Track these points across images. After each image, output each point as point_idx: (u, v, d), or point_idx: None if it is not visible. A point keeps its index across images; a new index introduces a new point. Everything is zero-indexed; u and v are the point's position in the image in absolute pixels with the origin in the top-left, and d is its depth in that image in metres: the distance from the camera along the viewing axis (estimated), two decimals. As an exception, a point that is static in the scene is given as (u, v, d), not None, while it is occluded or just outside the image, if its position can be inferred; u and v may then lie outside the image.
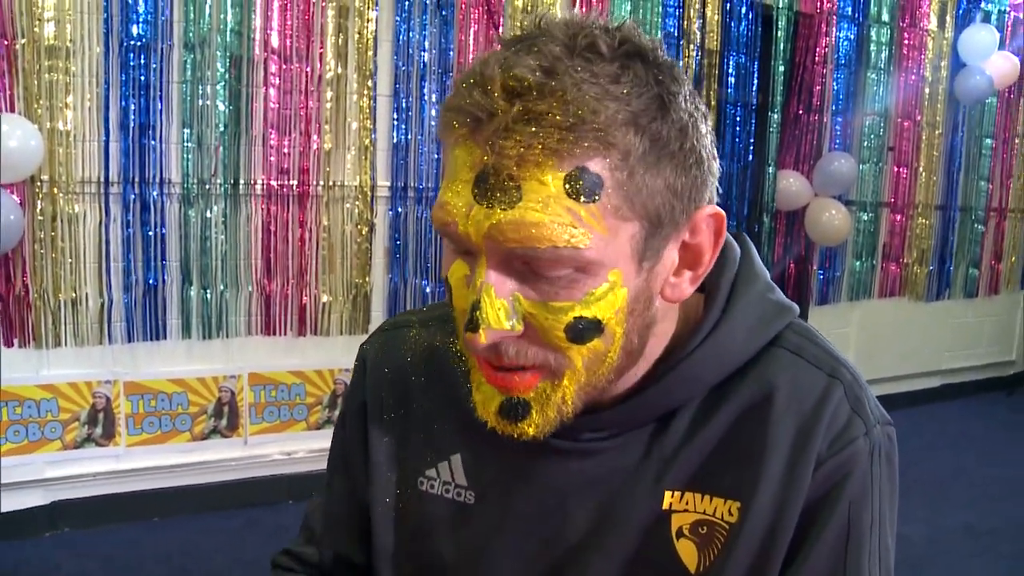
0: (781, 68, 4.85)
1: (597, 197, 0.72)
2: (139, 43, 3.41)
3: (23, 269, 3.36)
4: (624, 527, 0.88)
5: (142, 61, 3.42)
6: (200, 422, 3.77)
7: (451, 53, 3.96)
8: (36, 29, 3.24)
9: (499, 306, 0.75)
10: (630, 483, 0.88)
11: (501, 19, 4.01)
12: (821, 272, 5.29)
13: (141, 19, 3.39)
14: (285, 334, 3.85)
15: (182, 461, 3.77)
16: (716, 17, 4.57)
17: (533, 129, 0.69)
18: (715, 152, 0.80)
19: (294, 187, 3.75)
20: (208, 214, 3.62)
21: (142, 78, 3.43)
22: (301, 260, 3.82)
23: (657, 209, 0.75)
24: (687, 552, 0.86)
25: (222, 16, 3.53)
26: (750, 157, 4.82)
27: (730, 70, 4.68)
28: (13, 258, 3.33)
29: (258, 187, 3.70)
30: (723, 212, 0.82)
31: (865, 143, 5.30)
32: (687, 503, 0.86)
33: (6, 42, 3.21)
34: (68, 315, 3.45)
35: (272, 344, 3.85)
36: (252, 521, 3.69)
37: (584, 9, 4.21)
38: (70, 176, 3.35)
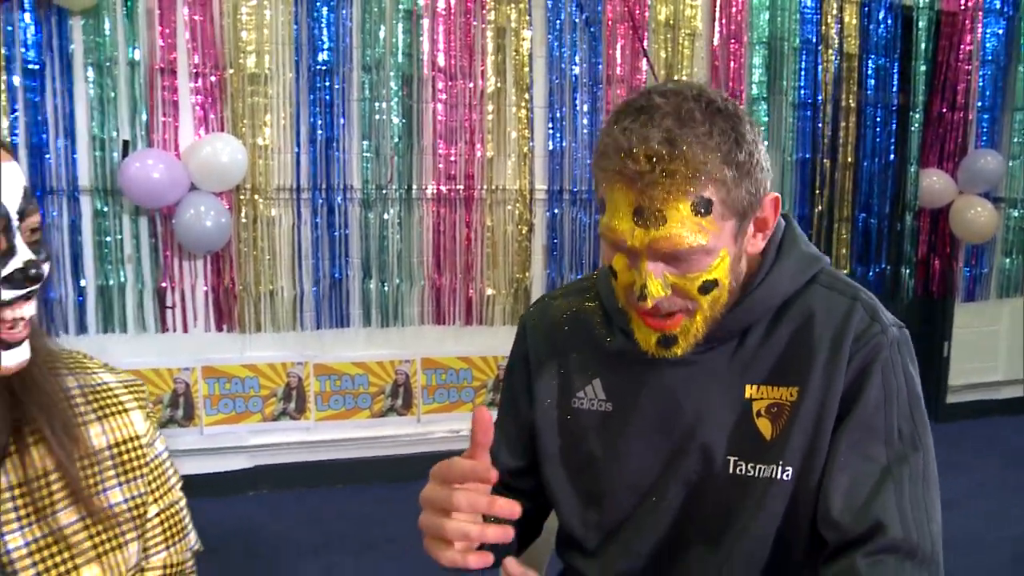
0: (923, 67, 4.71)
1: (710, 212, 1.07)
2: (324, 68, 3.72)
3: (230, 265, 3.72)
4: (719, 413, 1.20)
5: (327, 83, 3.73)
6: (379, 401, 4.03)
7: (600, 66, 4.09)
8: (241, 60, 3.60)
9: (658, 284, 1.10)
10: (721, 381, 1.21)
11: (645, 33, 4.11)
12: (968, 269, 5.11)
13: (326, 47, 3.70)
14: (453, 323, 4.06)
15: (362, 435, 4.03)
16: (854, 21, 4.50)
17: (668, 181, 1.04)
18: (767, 155, 1.13)
19: (461, 191, 3.97)
20: (385, 216, 3.89)
21: (327, 98, 3.74)
22: (467, 257, 4.03)
23: (743, 207, 1.10)
24: (764, 426, 1.18)
25: (394, 41, 3.80)
26: (891, 156, 4.72)
27: (869, 72, 4.61)
28: (222, 256, 3.70)
29: (429, 192, 3.94)
30: (778, 195, 1.17)
31: (1016, 139, 5.08)
32: (762, 393, 1.19)
33: (218, 73, 3.59)
34: (267, 305, 3.78)
35: (442, 332, 4.07)
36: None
37: (724, 22, 4.27)
38: (268, 184, 3.69)
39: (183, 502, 1.19)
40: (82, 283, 3.56)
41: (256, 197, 3.68)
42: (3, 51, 3.34)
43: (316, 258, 3.83)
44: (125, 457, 1.09)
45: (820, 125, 4.51)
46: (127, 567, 1.07)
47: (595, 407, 1.28)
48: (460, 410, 4.14)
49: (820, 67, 4.47)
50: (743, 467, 1.18)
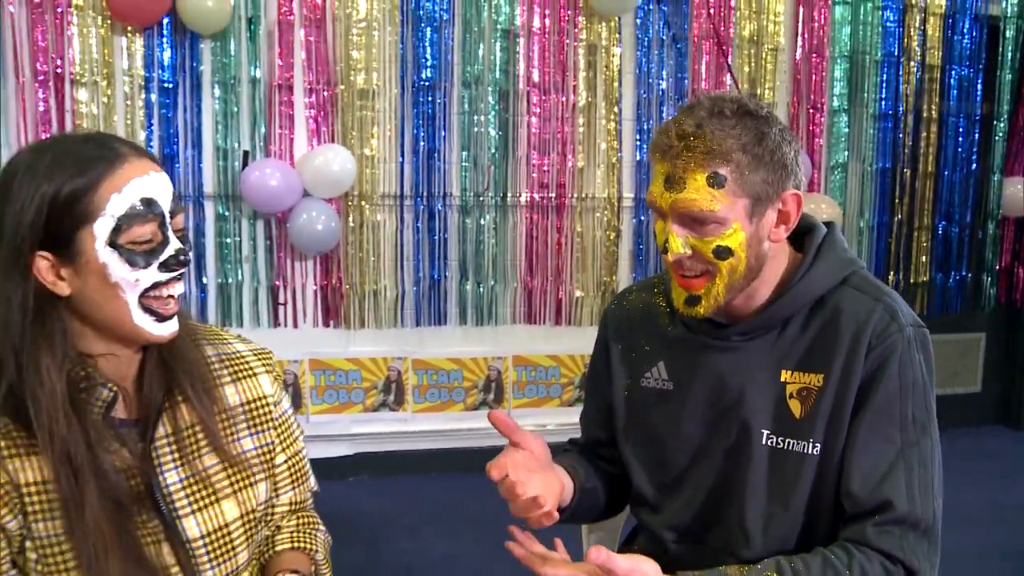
0: (1008, 77, 4.74)
1: (723, 186, 1.28)
2: (427, 84, 3.97)
3: (338, 266, 3.99)
4: (758, 393, 1.40)
5: (429, 98, 3.99)
6: (472, 395, 4.27)
7: (686, 81, 4.26)
8: (351, 77, 3.87)
9: (679, 242, 1.32)
10: (761, 366, 1.40)
11: (730, 48, 4.27)
12: (1053, 277, 5.11)
13: (429, 64, 3.96)
14: (544, 323, 4.27)
15: (456, 427, 4.26)
16: (937, 34, 4.58)
17: (689, 155, 1.28)
18: (798, 160, 1.35)
19: (553, 199, 4.18)
20: (482, 221, 4.12)
21: (429, 111, 3.99)
22: (558, 260, 4.23)
23: (757, 192, 1.31)
24: (795, 406, 1.37)
25: (492, 58, 4.03)
26: (973, 166, 4.77)
27: (952, 83, 4.67)
28: (331, 257, 3.98)
29: (523, 199, 4.16)
30: (801, 194, 1.36)
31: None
32: (795, 378, 1.38)
33: (330, 89, 3.87)
34: (370, 303, 4.05)
35: (533, 331, 4.28)
36: None
37: (806, 36, 4.40)
38: (374, 191, 3.96)
39: (305, 451, 1.46)
40: (204, 280, 3.87)
41: (363, 203, 3.95)
42: (144, 72, 3.68)
43: (417, 260, 4.08)
44: (255, 413, 1.36)
45: (900, 135, 4.59)
46: (257, 502, 1.34)
47: (659, 386, 1.50)
48: (548, 405, 4.34)
49: (901, 79, 4.55)
50: (775, 440, 1.38)
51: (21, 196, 1.11)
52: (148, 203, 1.14)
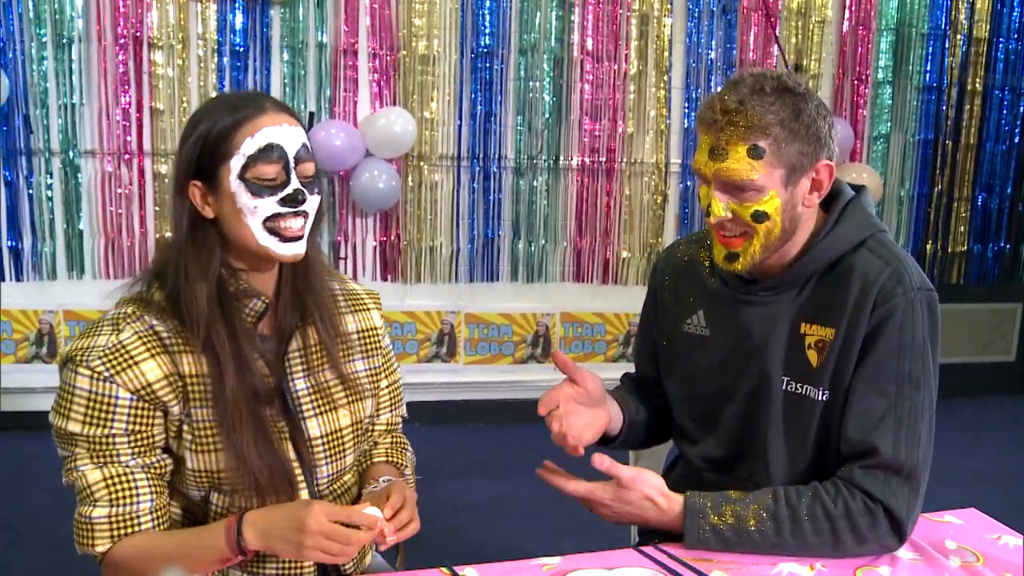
0: (1056, 51, 4.79)
1: (761, 157, 1.40)
2: (485, 51, 4.12)
3: (396, 223, 4.18)
4: (780, 342, 1.53)
5: (487, 64, 4.14)
6: (520, 349, 4.45)
7: (734, 51, 4.36)
8: (413, 44, 4.03)
9: (720, 206, 1.45)
10: (784, 319, 1.53)
11: (778, 20, 4.36)
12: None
13: (487, 32, 4.10)
14: (591, 282, 4.43)
15: (504, 379, 4.45)
16: (985, 7, 4.62)
17: (732, 129, 1.40)
18: (831, 133, 1.46)
19: (603, 163, 4.32)
20: (534, 183, 4.28)
21: (487, 77, 4.15)
22: (607, 222, 4.39)
23: (793, 162, 1.43)
24: (811, 356, 1.51)
25: (548, 27, 4.17)
26: (1016, 139, 4.83)
27: (999, 56, 4.72)
28: (390, 215, 4.16)
29: (574, 163, 4.31)
30: (833, 164, 1.47)
31: None
32: (813, 330, 1.51)
33: (392, 54, 4.03)
34: (426, 259, 4.23)
35: (580, 289, 4.44)
36: None
37: (853, 8, 4.47)
38: (433, 152, 4.13)
39: (400, 382, 1.70)
40: (271, 234, 4.07)
41: (422, 163, 4.12)
42: (216, 37, 3.87)
43: (472, 219, 4.26)
44: (366, 341, 1.59)
45: (944, 108, 4.66)
46: (364, 415, 1.55)
47: (697, 331, 1.65)
48: (593, 361, 4.51)
49: (947, 51, 4.61)
50: (792, 386, 1.52)
51: (189, 136, 1.36)
52: (273, 148, 1.33)
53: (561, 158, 4.28)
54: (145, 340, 1.35)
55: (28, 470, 3.57)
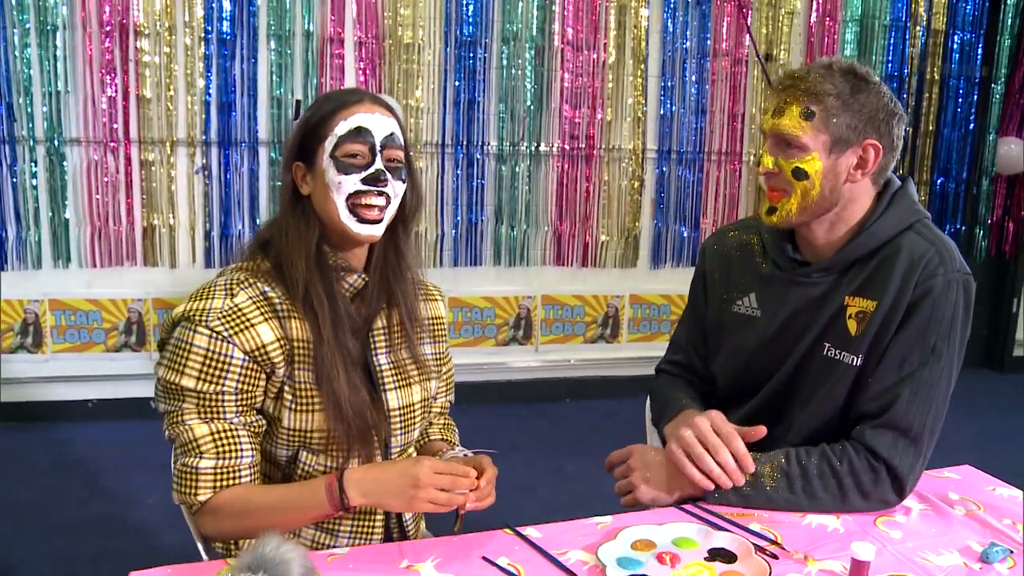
0: (1007, 42, 4.98)
1: (811, 120, 1.54)
2: (469, 39, 4.19)
3: (383, 209, 4.23)
4: (827, 312, 1.63)
5: (471, 53, 4.21)
6: (503, 331, 4.54)
7: (708, 41, 4.49)
8: (398, 32, 4.09)
9: (769, 159, 1.60)
10: (833, 295, 1.63)
11: (749, 11, 4.49)
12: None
13: (470, 21, 4.17)
14: (571, 265, 4.54)
15: (487, 361, 4.54)
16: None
17: (792, 91, 1.56)
18: (891, 124, 1.56)
19: (582, 149, 4.43)
20: (516, 170, 4.37)
21: (470, 65, 4.22)
22: (586, 207, 4.49)
23: (840, 132, 1.54)
24: (852, 326, 1.60)
25: (529, 17, 4.25)
26: (971, 126, 5.04)
27: (954, 46, 4.91)
28: (376, 201, 4.21)
29: (554, 149, 4.41)
30: (880, 145, 1.56)
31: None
32: (855, 302, 1.60)
33: (377, 43, 4.09)
34: (412, 243, 4.28)
35: (560, 273, 4.55)
36: (540, 412, 4.41)
37: (821, 1, 4.61)
38: (417, 139, 4.19)
39: (454, 370, 1.84)
40: (258, 220, 4.11)
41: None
42: (204, 24, 3.89)
43: (456, 204, 4.33)
44: (434, 327, 1.74)
45: (905, 96, 4.84)
46: (431, 394, 1.69)
47: (749, 312, 1.74)
48: (573, 342, 4.63)
49: (907, 42, 4.79)
50: (833, 352, 1.62)
51: (299, 124, 1.53)
52: (360, 131, 1.47)
53: (542, 145, 4.37)
54: (258, 304, 1.46)
55: (20, 459, 3.58)
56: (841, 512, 1.54)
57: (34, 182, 3.88)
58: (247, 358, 1.43)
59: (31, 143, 3.83)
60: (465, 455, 1.65)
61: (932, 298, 1.53)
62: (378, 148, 1.48)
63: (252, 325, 1.44)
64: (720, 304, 1.80)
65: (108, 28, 3.80)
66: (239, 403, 1.45)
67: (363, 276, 1.54)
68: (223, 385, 1.43)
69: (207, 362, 1.41)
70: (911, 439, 1.54)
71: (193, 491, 1.44)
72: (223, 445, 1.44)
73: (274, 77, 4.00)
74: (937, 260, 1.54)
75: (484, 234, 4.40)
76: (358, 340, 1.55)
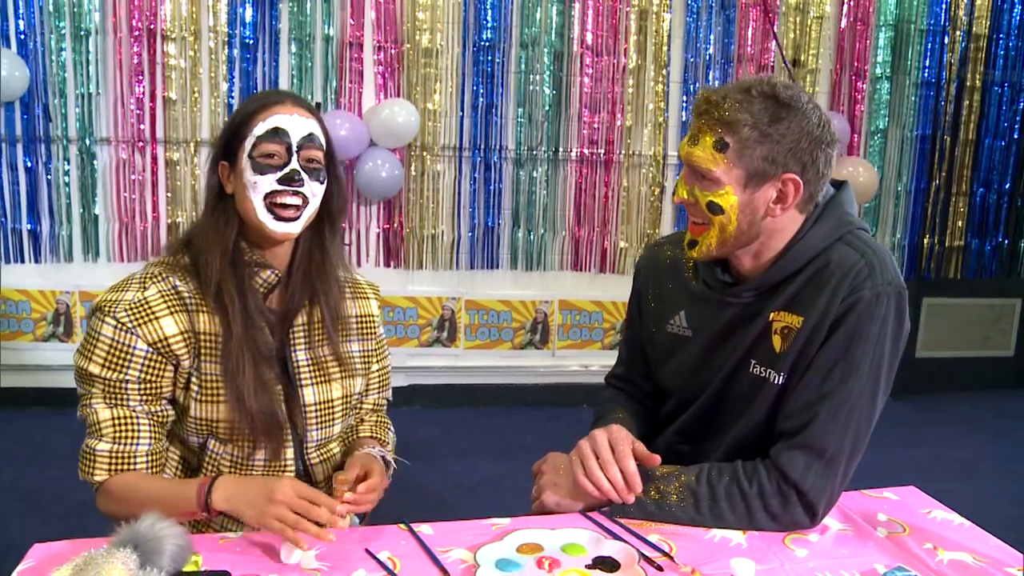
0: (1057, 49, 4.81)
1: (724, 151, 1.46)
2: (487, 44, 4.22)
3: (399, 211, 4.29)
4: (755, 328, 1.57)
5: (489, 58, 4.24)
6: (520, 335, 4.55)
7: (732, 46, 4.43)
8: (416, 37, 4.14)
9: (685, 188, 1.53)
10: (760, 311, 1.57)
11: (776, 16, 4.42)
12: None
13: (489, 26, 4.20)
14: (589, 271, 4.53)
15: (504, 364, 4.56)
16: (986, 3, 4.65)
17: (707, 118, 1.47)
18: (816, 154, 1.46)
19: (601, 155, 4.41)
20: (534, 174, 4.37)
21: (488, 70, 4.24)
22: (605, 213, 4.48)
23: (755, 167, 1.46)
24: (776, 342, 1.54)
25: (549, 21, 4.26)
26: (1015, 135, 4.86)
27: (999, 52, 4.75)
28: (393, 203, 4.27)
29: (573, 154, 4.40)
30: (800, 180, 1.47)
31: None
32: (781, 316, 1.54)
33: (396, 47, 4.14)
34: (428, 246, 4.35)
35: (578, 278, 4.54)
36: (553, 416, 4.37)
37: (852, 5, 4.52)
38: (435, 143, 4.24)
39: (389, 367, 1.85)
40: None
41: (425, 153, 4.23)
42: (227, 29, 3.99)
43: (473, 208, 4.36)
44: (363, 325, 1.74)
45: (943, 103, 4.70)
46: (354, 392, 1.70)
47: (680, 331, 1.70)
48: (590, 348, 4.61)
49: (946, 48, 4.65)
50: (759, 369, 1.56)
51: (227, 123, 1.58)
52: (277, 131, 1.51)
53: (560, 150, 4.37)
54: (167, 298, 1.52)
55: (46, 443, 3.73)
56: (748, 530, 1.50)
57: (66, 179, 4.03)
58: (150, 349, 1.49)
59: (64, 142, 3.98)
60: (380, 456, 1.68)
61: (857, 312, 1.46)
62: (295, 148, 1.52)
63: (157, 318, 1.50)
64: (655, 323, 1.77)
65: (137, 33, 3.93)
66: (142, 392, 1.51)
67: (276, 272, 1.57)
68: (126, 373, 1.49)
69: (111, 351, 1.48)
70: (826, 461, 1.47)
71: (91, 471, 1.51)
72: (121, 431, 1.50)
73: (295, 80, 4.08)
74: (866, 272, 1.47)
75: (501, 238, 4.42)
76: (276, 336, 1.59)
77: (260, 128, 1.51)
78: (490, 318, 4.50)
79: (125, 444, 1.50)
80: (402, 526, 1.46)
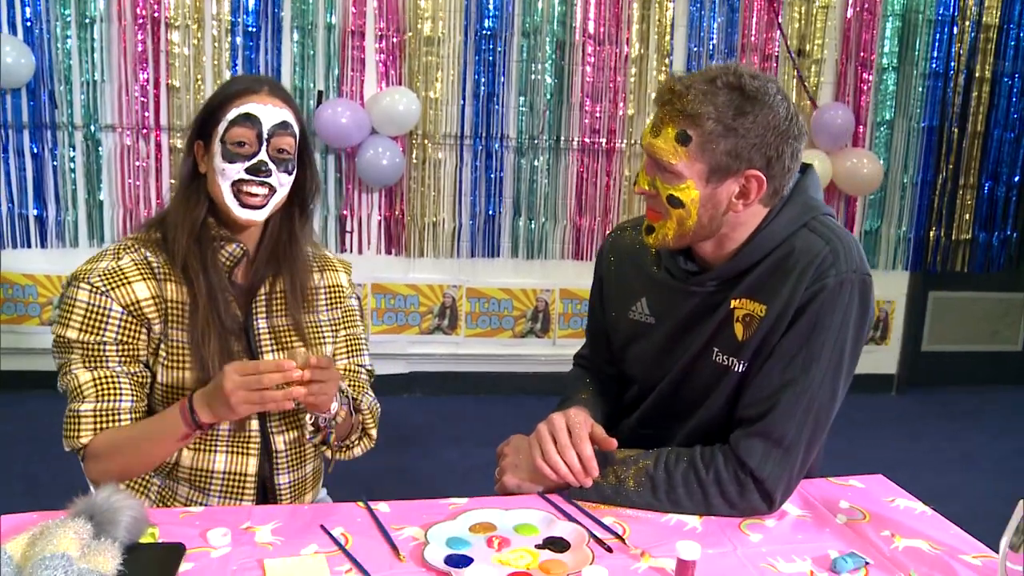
0: (1069, 40, 4.74)
1: (686, 145, 1.43)
2: (489, 33, 4.22)
3: (400, 199, 4.32)
4: (715, 318, 1.57)
5: (491, 46, 4.24)
6: (520, 323, 4.56)
7: (736, 35, 4.41)
8: (418, 26, 4.15)
9: (646, 179, 1.51)
10: (722, 299, 1.56)
11: (781, 5, 4.40)
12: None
13: (491, 15, 4.20)
14: (591, 259, 4.50)
15: (504, 352, 4.58)
16: (997, -7, 4.61)
17: (669, 108, 1.44)
18: (782, 148, 1.43)
19: (603, 144, 4.41)
20: (535, 163, 4.38)
21: (490, 59, 4.25)
22: (606, 201, 4.48)
23: (717, 161, 1.43)
24: (739, 330, 1.54)
25: (550, 10, 4.26)
26: (1026, 127, 4.82)
27: (1010, 42, 4.69)
28: (395, 191, 4.29)
29: (575, 143, 4.40)
30: (764, 176, 1.45)
31: None
32: (742, 304, 1.53)
33: (398, 35, 4.16)
34: (429, 234, 4.37)
35: (579, 267, 4.53)
36: (553, 405, 4.32)
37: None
38: (436, 131, 4.25)
39: (363, 335, 1.87)
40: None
41: (426, 141, 4.25)
42: (230, 17, 4.02)
43: (474, 196, 4.37)
44: (332, 295, 1.80)
45: (950, 94, 4.66)
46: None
47: (642, 319, 1.69)
48: (591, 337, 4.60)
49: (954, 38, 4.61)
50: (721, 357, 1.56)
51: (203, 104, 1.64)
52: (248, 117, 1.56)
53: (562, 138, 4.37)
54: (139, 266, 1.59)
55: (51, 427, 3.77)
56: (705, 515, 1.51)
57: (72, 166, 4.08)
58: (124, 311, 1.56)
59: (70, 129, 4.03)
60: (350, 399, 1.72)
61: (821, 300, 1.44)
62: (265, 136, 1.56)
63: (129, 283, 1.57)
64: (616, 309, 1.76)
65: (141, 21, 3.97)
66: (120, 353, 1.57)
67: (242, 245, 1.63)
68: (103, 335, 1.55)
69: (88, 314, 1.54)
70: (784, 449, 1.47)
71: (76, 434, 1.54)
72: (103, 389, 1.55)
73: (297, 68, 4.11)
74: (830, 260, 1.45)
75: (502, 226, 4.43)
76: (242, 309, 1.65)
77: (233, 113, 1.55)
78: (491, 306, 4.51)
79: (108, 401, 1.55)
80: (360, 504, 1.48)
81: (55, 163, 4.06)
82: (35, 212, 4.09)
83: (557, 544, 1.37)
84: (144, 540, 1.30)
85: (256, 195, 1.57)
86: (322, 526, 1.40)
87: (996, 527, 1.53)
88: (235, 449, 1.65)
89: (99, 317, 1.54)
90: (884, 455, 3.99)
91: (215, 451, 1.63)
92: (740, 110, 1.41)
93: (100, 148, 4.07)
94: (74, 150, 4.06)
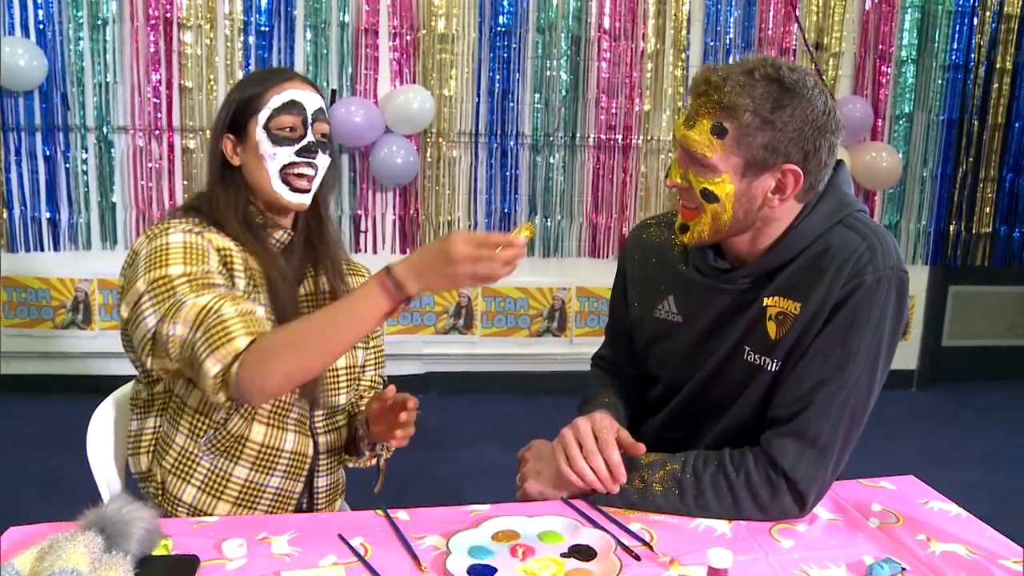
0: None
1: (723, 138, 1.39)
2: (503, 29, 4.18)
3: (415, 198, 4.28)
4: (747, 316, 1.52)
5: (505, 43, 4.20)
6: (537, 322, 4.52)
7: (753, 30, 4.35)
8: (432, 23, 4.12)
9: (678, 172, 1.47)
10: (755, 297, 1.52)
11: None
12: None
13: (505, 11, 4.16)
14: (607, 257, 4.47)
15: (520, 352, 4.54)
16: (1019, -16, 4.53)
17: (705, 100, 1.40)
18: (818, 143, 1.40)
19: (619, 140, 4.36)
20: (551, 160, 4.34)
21: (505, 55, 4.21)
22: (623, 199, 4.43)
23: (754, 155, 1.40)
24: (772, 328, 1.50)
25: (566, 6, 4.21)
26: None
27: (1032, 34, 4.61)
28: (409, 189, 4.26)
29: (591, 140, 4.35)
30: (801, 171, 1.41)
31: None
32: (775, 302, 1.49)
33: (412, 33, 4.12)
34: (444, 233, 4.31)
35: (596, 265, 4.48)
36: (570, 405, 4.27)
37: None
38: (451, 129, 4.22)
39: (383, 345, 1.88)
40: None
41: (440, 140, 4.21)
42: (243, 17, 3.99)
43: (489, 194, 4.33)
44: None
45: (970, 86, 4.59)
46: (356, 363, 1.75)
47: (669, 317, 1.64)
48: (608, 336, 4.56)
49: (975, 29, 4.53)
50: (754, 356, 1.51)
51: (226, 102, 1.63)
52: (294, 103, 1.58)
53: (578, 135, 4.32)
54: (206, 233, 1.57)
55: (66, 430, 3.75)
56: (737, 519, 1.46)
57: (84, 168, 4.06)
58: (218, 253, 1.53)
59: (82, 131, 4.01)
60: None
61: (858, 297, 1.41)
62: (310, 121, 1.58)
63: (215, 233, 1.57)
64: (641, 307, 1.71)
65: (153, 22, 3.94)
66: (226, 287, 1.48)
67: (289, 231, 1.65)
68: (209, 264, 1.49)
69: (187, 250, 1.49)
70: (819, 450, 1.43)
71: (228, 340, 1.36)
72: (235, 299, 1.43)
73: (310, 67, 4.07)
74: (867, 256, 1.42)
75: (517, 224, 4.37)
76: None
77: (276, 101, 1.56)
78: (507, 305, 4.47)
79: (247, 307, 1.43)
80: (379, 512, 1.44)
81: (67, 165, 4.04)
82: (48, 215, 4.08)
83: (583, 552, 1.33)
84: (157, 552, 1.26)
85: (305, 176, 1.58)
86: (340, 536, 1.36)
87: (1024, 525, 1.50)
88: (300, 430, 1.66)
89: (199, 250, 1.49)
90: (905, 452, 3.93)
91: (286, 429, 1.63)
92: (778, 103, 1.37)
93: (112, 150, 4.05)
94: (86, 152, 4.04)
